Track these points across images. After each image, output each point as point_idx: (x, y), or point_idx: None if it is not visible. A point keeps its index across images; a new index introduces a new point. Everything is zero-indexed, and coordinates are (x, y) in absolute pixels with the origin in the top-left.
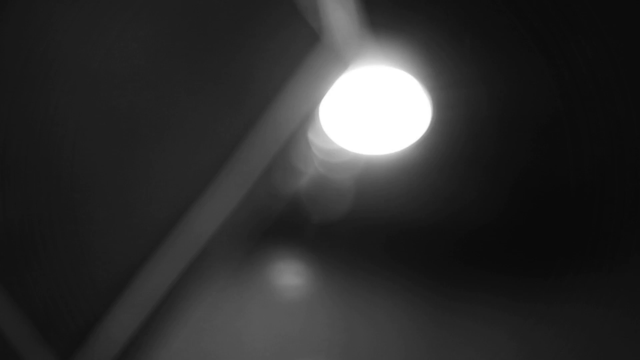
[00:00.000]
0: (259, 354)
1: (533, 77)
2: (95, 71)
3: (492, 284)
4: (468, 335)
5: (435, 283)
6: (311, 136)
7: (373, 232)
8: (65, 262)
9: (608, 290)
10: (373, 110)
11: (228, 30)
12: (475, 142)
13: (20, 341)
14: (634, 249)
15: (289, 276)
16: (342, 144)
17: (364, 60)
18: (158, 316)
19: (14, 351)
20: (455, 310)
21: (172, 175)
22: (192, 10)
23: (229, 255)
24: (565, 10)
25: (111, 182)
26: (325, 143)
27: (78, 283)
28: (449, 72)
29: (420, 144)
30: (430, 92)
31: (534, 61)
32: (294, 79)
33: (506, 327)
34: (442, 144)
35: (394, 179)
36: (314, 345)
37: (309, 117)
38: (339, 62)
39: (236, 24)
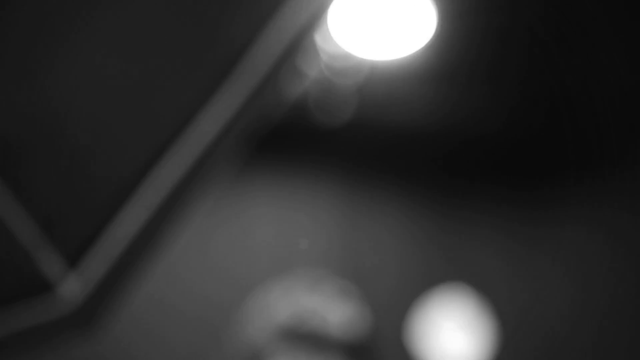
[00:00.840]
0: (259, 264)
1: None
2: None
3: (491, 191)
4: (467, 241)
5: (435, 190)
6: (318, 40)
7: (375, 139)
8: (71, 161)
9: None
10: (380, 17)
11: None
12: (478, 51)
13: (28, 240)
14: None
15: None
16: (348, 48)
17: None
18: (162, 218)
19: (23, 250)
20: (455, 217)
21: (178, 79)
22: None
23: (232, 159)
24: None
25: (119, 88)
26: (332, 47)
27: (84, 184)
28: None
29: (425, 51)
30: (436, 1)
31: None
32: None
33: (506, 233)
34: (446, 52)
35: (398, 84)
36: (314, 255)
37: (316, 21)
38: None
39: None
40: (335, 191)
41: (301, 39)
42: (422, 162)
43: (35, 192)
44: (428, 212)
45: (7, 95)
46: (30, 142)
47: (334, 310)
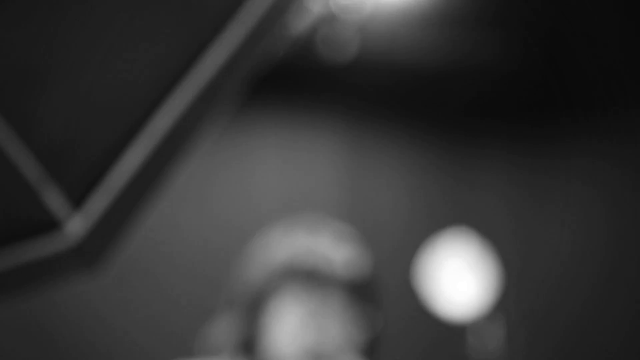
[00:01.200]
0: (261, 204)
1: None
2: None
3: (497, 127)
4: (476, 179)
5: (440, 128)
6: None
7: (379, 76)
8: (75, 101)
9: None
10: None
11: None
12: None
13: (33, 178)
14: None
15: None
16: None
17: None
18: (165, 155)
19: (28, 187)
20: (462, 153)
21: (182, 16)
22: None
23: (235, 96)
24: None
25: (123, 32)
26: None
27: (87, 123)
28: None
29: None
30: None
31: None
32: None
33: (512, 166)
34: None
35: (402, 22)
36: (318, 195)
37: None
38: None
39: None
40: (339, 129)
41: None
42: (426, 100)
43: (40, 131)
44: (433, 149)
45: (10, 38)
46: (33, 81)
47: (335, 250)
